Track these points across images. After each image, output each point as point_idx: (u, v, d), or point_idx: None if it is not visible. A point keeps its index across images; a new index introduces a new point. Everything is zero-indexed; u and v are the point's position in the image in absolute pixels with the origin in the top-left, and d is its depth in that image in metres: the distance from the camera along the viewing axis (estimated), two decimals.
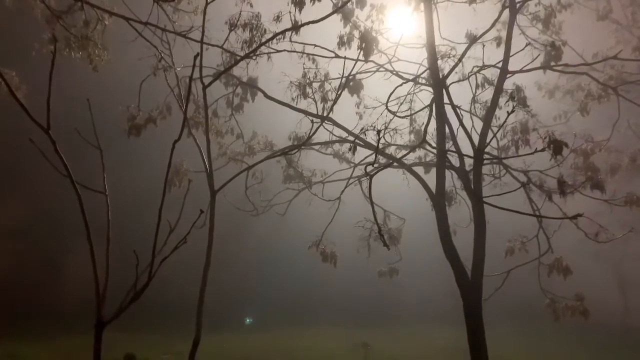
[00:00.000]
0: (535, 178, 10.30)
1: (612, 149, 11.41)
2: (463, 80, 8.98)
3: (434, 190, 7.85)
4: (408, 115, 8.44)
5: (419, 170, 11.09)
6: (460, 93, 10.23)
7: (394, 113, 7.57)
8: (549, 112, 14.77)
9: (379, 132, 5.28)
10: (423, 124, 11.52)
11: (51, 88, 5.03)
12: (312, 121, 9.15)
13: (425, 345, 19.48)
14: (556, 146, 5.44)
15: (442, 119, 7.49)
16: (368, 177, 5.94)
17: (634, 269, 26.27)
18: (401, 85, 8.61)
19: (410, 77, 9.19)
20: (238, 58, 8.92)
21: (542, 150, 5.07)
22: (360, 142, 8.42)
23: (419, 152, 11.39)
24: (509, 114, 5.00)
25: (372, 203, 5.80)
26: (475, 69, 9.13)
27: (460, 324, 21.88)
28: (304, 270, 22.45)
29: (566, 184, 7.82)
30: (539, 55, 8.99)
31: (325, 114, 8.80)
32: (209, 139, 6.79)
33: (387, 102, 7.48)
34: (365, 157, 10.70)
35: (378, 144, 5.28)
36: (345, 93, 11.56)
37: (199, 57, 6.37)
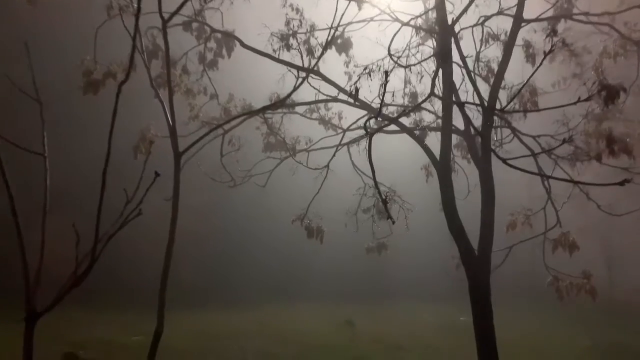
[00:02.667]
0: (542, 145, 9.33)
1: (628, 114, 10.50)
2: (475, 25, 7.86)
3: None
4: (411, 65, 7.29)
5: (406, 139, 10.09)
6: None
7: (396, 62, 6.42)
8: (547, 79, 13.86)
9: (386, 73, 4.18)
10: (417, 86, 10.56)
11: None
12: (296, 76, 7.96)
13: (413, 322, 18.84)
14: (610, 92, 4.42)
15: (449, 69, 6.43)
16: (367, 136, 4.84)
17: (621, 244, 26.08)
18: (402, 26, 7.43)
19: (414, 26, 7.99)
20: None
21: (588, 99, 4.07)
22: (353, 101, 7.31)
23: (414, 117, 10.33)
24: (546, 54, 3.91)
25: (372, 167, 4.73)
26: (482, 19, 8.02)
27: (448, 300, 21.30)
28: (287, 244, 21.50)
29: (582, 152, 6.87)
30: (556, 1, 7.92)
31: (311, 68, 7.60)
32: (172, 88, 5.56)
33: (390, 46, 6.33)
34: (357, 120, 9.64)
35: (385, 90, 4.20)
36: (333, 52, 10.41)
37: None
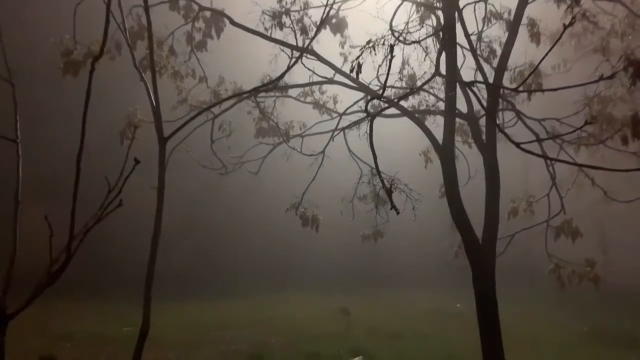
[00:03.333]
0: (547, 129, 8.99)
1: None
2: (478, 1, 7.43)
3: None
4: (417, 42, 6.84)
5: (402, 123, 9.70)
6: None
7: (398, 38, 5.97)
8: (546, 62, 13.50)
9: (391, 47, 3.76)
10: (416, 67, 10.12)
11: None
12: (290, 57, 7.54)
13: (409, 310, 18.64)
14: (637, 68, 4.07)
15: (453, 46, 6.02)
16: (368, 120, 4.45)
17: (615, 229, 25.99)
18: (403, 2, 6.99)
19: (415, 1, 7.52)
20: None
21: (612, 76, 3.70)
22: (355, 78, 6.86)
23: (412, 100, 9.92)
24: (566, 27, 3.52)
25: (374, 153, 4.35)
26: None
27: (445, 288, 21.04)
28: (282, 231, 21.16)
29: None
30: None
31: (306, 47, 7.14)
32: (155, 69, 5.11)
33: (392, 20, 5.91)
34: (355, 103, 9.22)
35: (390, 66, 3.79)
36: (328, 33, 9.95)
37: None
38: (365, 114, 8.02)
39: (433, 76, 5.84)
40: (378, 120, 9.38)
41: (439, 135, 7.92)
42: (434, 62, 6.26)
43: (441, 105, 9.70)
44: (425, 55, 7.41)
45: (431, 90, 8.81)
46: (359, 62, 3.85)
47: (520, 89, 6.79)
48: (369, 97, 7.37)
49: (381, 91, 4.48)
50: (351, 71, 3.92)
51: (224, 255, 25.00)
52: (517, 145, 4.22)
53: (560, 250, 9.73)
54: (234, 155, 11.43)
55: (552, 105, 9.69)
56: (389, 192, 4.22)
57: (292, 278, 23.34)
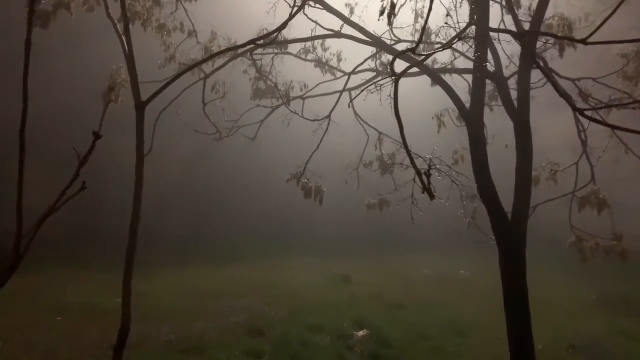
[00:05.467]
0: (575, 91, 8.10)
1: None
2: None
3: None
4: None
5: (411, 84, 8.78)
6: None
7: None
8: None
9: None
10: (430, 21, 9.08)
11: None
12: (290, 5, 6.52)
13: (412, 277, 18.23)
14: None
15: None
16: (393, 80, 3.57)
17: (623, 192, 25.42)
18: None
19: None
20: None
21: None
22: (361, 36, 5.94)
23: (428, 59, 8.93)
24: None
25: (399, 121, 3.50)
26: None
27: (445, 250, 20.45)
28: (281, 195, 20.48)
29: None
30: None
31: None
32: (127, 16, 4.15)
33: None
34: (364, 61, 8.24)
35: (430, 9, 2.89)
36: None
37: None
38: (375, 73, 7.13)
39: (468, 25, 4.88)
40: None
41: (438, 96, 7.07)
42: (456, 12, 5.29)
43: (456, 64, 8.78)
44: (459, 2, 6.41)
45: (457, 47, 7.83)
46: (392, 1, 2.95)
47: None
48: (382, 54, 6.39)
49: (421, 38, 3.59)
50: (381, 14, 3.05)
51: (221, 220, 24.40)
52: (580, 112, 3.38)
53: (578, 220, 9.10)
54: (229, 119, 10.52)
55: (580, 64, 8.78)
56: (427, 175, 3.41)
57: (292, 243, 22.83)
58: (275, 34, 5.22)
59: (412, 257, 21.34)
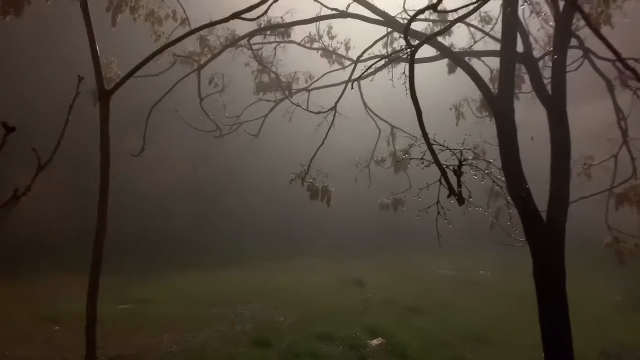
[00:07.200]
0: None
1: None
2: None
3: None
4: None
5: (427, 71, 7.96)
6: None
7: None
8: None
9: None
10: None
11: None
12: None
13: (428, 278, 17.40)
14: None
15: None
16: (408, 54, 2.82)
17: None
18: None
19: None
20: None
21: None
22: (372, 14, 5.17)
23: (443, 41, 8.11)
24: None
25: (417, 107, 2.74)
26: None
27: (460, 253, 19.45)
28: (289, 194, 19.79)
29: None
30: None
31: None
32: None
33: None
34: (373, 45, 7.46)
35: None
36: None
37: None
38: (384, 59, 6.36)
39: None
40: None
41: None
42: None
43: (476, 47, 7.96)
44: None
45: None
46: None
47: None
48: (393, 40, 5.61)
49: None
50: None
51: (228, 221, 23.73)
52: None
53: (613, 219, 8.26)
54: (230, 115, 9.82)
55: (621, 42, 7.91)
56: (456, 174, 2.65)
57: (300, 244, 22.09)
58: (267, 7, 4.47)
59: (427, 257, 20.46)
